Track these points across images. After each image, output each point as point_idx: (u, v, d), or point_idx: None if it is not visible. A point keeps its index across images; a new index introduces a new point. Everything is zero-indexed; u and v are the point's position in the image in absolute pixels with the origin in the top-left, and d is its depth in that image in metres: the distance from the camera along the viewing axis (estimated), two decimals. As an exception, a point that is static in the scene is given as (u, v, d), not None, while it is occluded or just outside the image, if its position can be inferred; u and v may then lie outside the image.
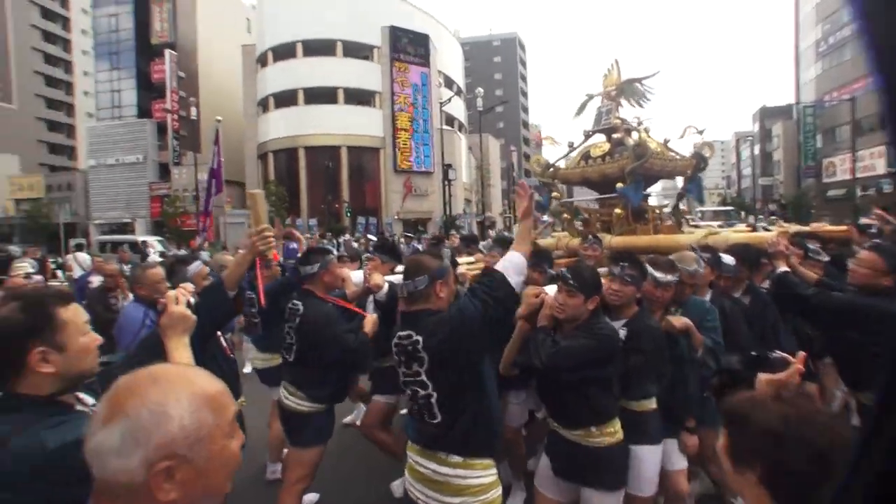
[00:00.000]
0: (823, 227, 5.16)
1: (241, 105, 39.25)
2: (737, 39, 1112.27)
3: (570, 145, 5.35)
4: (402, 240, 17.15)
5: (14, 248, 19.87)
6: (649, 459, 2.39)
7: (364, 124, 35.99)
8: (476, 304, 1.93)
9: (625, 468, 2.30)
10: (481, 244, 6.57)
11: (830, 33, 37.59)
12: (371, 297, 3.29)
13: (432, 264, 2.05)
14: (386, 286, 3.03)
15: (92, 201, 39.70)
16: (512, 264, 2.02)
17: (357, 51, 36.44)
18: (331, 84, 35.55)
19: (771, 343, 2.79)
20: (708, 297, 3.00)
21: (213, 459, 0.78)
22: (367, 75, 36.53)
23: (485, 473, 1.97)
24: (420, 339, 1.96)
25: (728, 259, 3.17)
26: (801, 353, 1.52)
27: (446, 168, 26.21)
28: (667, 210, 5.17)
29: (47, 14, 55.31)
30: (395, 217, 34.82)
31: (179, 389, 0.77)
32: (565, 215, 5.58)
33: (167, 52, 37.71)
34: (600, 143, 5.08)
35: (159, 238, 23.85)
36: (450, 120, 38.89)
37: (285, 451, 3.36)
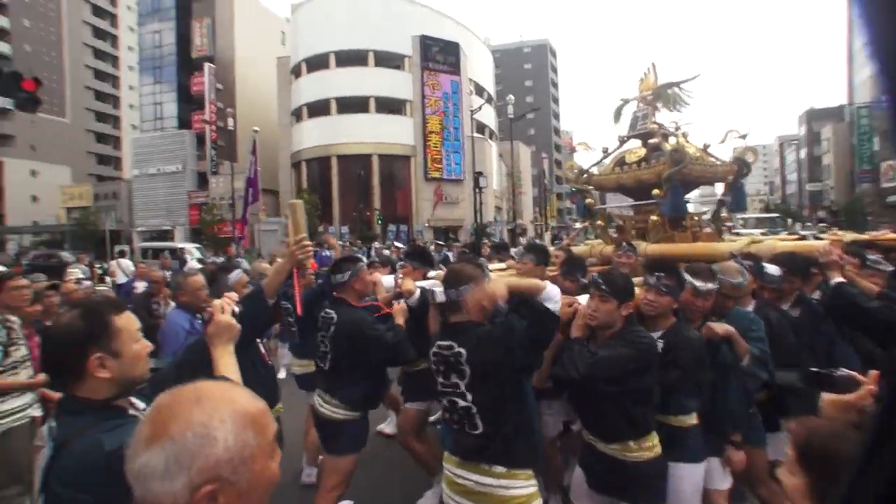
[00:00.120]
0: (884, 234, 4.74)
1: (275, 115, 40.40)
2: (780, 41, 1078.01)
3: (605, 150, 5.27)
4: (433, 248, 17.22)
5: (66, 255, 20.97)
6: (689, 478, 2.29)
7: (395, 133, 36.42)
8: (523, 322, 1.92)
9: (663, 484, 2.21)
10: (512, 251, 6.55)
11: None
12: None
13: (475, 273, 2.05)
14: (417, 292, 3.04)
15: (135, 209, 41.55)
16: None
17: (388, 60, 36.93)
18: (362, 93, 36.09)
19: (821, 358, 2.64)
20: (751, 307, 2.84)
21: (255, 480, 0.77)
22: (398, 84, 36.99)
23: (527, 484, 1.95)
24: (463, 351, 1.95)
25: (772, 269, 2.98)
26: (874, 372, 1.39)
27: (477, 175, 26.17)
28: (706, 217, 5.02)
29: (98, 33, 58.60)
30: (426, 225, 35.00)
31: (223, 410, 0.76)
32: (599, 222, 5.49)
33: (206, 65, 39.11)
34: (636, 148, 4.98)
35: (197, 245, 24.46)
36: (480, 127, 38.92)
37: (321, 456, 3.39)
